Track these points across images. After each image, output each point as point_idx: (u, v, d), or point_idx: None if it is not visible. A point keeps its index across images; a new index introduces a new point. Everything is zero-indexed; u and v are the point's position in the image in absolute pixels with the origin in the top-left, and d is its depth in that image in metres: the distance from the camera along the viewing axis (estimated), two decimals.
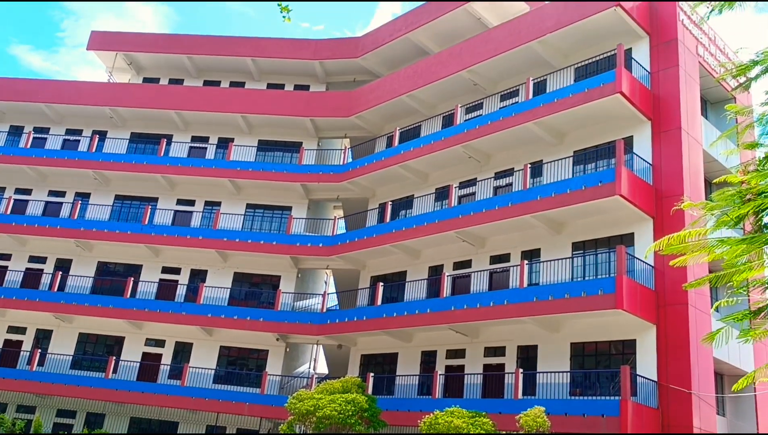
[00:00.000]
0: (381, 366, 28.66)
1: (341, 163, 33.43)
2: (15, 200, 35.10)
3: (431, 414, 19.26)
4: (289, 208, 33.78)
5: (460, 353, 25.87)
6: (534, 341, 23.43)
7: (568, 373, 21.92)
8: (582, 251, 23.47)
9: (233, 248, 31.92)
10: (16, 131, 37.64)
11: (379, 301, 27.81)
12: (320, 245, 31.22)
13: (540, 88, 26.36)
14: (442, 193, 28.93)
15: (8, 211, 34.38)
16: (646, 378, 19.89)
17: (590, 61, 25.19)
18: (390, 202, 30.01)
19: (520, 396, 21.47)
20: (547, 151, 25.52)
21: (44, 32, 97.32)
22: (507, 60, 27.17)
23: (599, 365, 21.79)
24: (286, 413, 23.01)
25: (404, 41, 32.91)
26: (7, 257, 34.86)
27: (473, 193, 27.85)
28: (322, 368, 35.53)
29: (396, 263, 29.66)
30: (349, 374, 27.47)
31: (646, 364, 20.31)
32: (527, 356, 23.63)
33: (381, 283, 28.45)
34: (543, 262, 23.91)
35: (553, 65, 26.34)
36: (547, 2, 26.98)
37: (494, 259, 26.20)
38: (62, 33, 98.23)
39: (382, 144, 33.03)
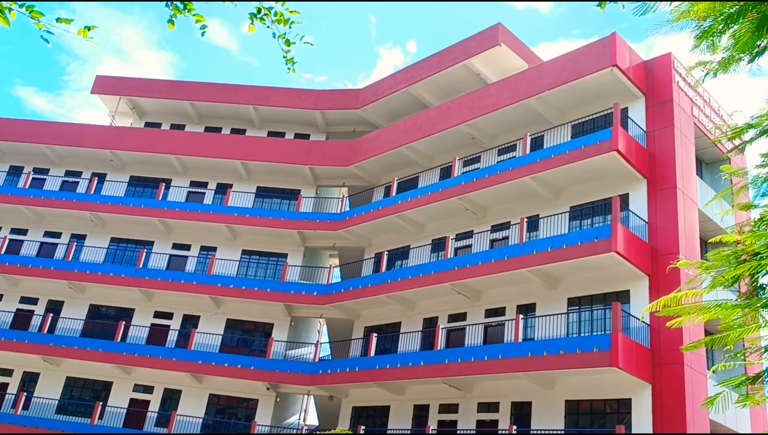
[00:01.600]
0: (372, 419, 28.18)
1: (338, 212, 33.54)
2: (10, 240, 35.02)
3: None
4: (285, 256, 33.73)
5: (453, 408, 25.49)
6: (528, 397, 23.14)
7: (563, 432, 21.57)
8: (577, 307, 23.40)
9: (227, 294, 31.73)
10: (15, 171, 37.80)
11: (372, 352, 27.53)
12: (315, 294, 31.07)
13: (537, 143, 26.70)
14: (438, 245, 28.98)
15: (2, 251, 34.22)
16: None
17: (587, 118, 25.60)
18: (386, 252, 30.01)
19: None
20: (543, 206, 25.70)
21: (50, 75, 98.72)
22: (505, 115, 27.59)
23: (594, 424, 21.48)
24: None
25: (404, 94, 33.47)
26: None
27: (469, 246, 27.91)
28: (313, 420, 34.90)
29: (390, 314, 29.49)
30: (340, 427, 27.04)
31: (642, 424, 20.02)
32: (521, 413, 23.30)
33: (375, 334, 28.22)
34: (538, 316, 23.80)
35: (550, 121, 26.75)
36: (545, 61, 27.56)
37: (489, 313, 26.08)
38: (68, 76, 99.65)
39: (379, 194, 33.25)
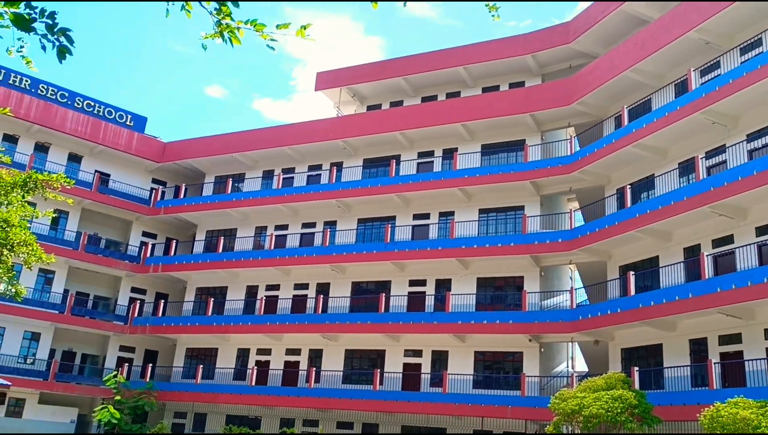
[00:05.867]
0: (645, 359, 26.97)
1: (569, 154, 32.30)
2: (276, 236, 39.30)
3: (711, 406, 17.67)
4: (522, 208, 33.42)
5: (735, 338, 23.41)
6: None
7: None
8: None
9: (472, 255, 32.37)
10: (268, 175, 42.20)
11: (632, 291, 26.28)
12: (559, 241, 30.41)
13: None
14: (686, 168, 26.61)
15: (272, 247, 38.59)
16: None
17: None
18: (628, 186, 28.31)
19: None
20: None
21: (279, 83, 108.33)
22: (741, 9, 24.34)
23: None
24: (549, 414, 22.71)
25: (618, 14, 31.04)
26: (276, 287, 39.04)
27: (723, 162, 25.18)
28: (581, 366, 34.45)
29: (645, 249, 27.83)
30: (611, 370, 26.25)
31: None
32: None
33: (631, 272, 26.87)
34: None
35: None
36: None
37: (761, 231, 23.37)
38: (293, 81, 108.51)
39: (610, 126, 31.33)
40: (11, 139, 38.69)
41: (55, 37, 4.38)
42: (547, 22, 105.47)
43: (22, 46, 5.53)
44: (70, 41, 4.42)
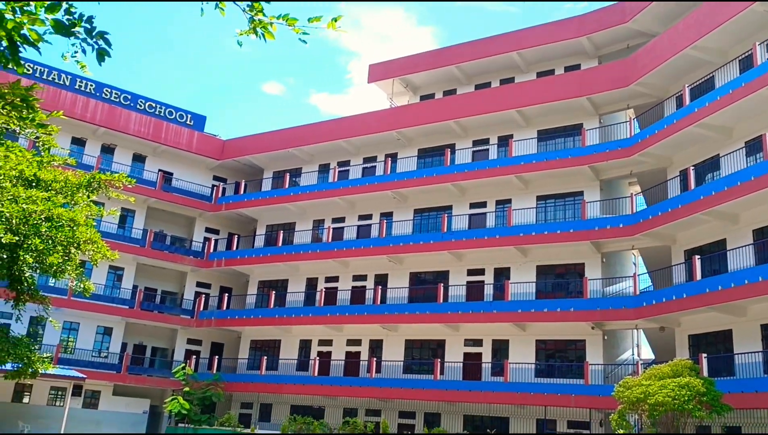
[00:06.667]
0: (714, 346, 26.10)
1: (628, 136, 31.41)
2: (333, 229, 39.70)
3: None
4: (581, 193, 32.73)
5: None
6: None
7: None
8: None
9: (531, 242, 31.91)
10: (324, 169, 42.61)
11: (698, 276, 25.43)
12: (620, 226, 29.66)
13: None
14: (753, 146, 25.52)
15: (329, 239, 39.00)
16: None
17: None
18: (692, 168, 27.37)
19: None
20: None
21: (335, 78, 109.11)
22: None
23: None
24: (614, 402, 22.31)
25: None
26: (335, 279, 39.47)
27: None
28: (647, 353, 33.63)
29: (711, 232, 26.88)
30: (678, 357, 25.47)
31: None
32: None
33: (697, 256, 26.00)
34: None
35: None
36: None
37: None
38: (349, 75, 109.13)
39: (671, 106, 30.31)
40: (79, 142, 40.30)
41: (94, 40, 4.57)
42: (606, 2, 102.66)
43: (76, 52, 5.76)
44: (108, 44, 4.61)
